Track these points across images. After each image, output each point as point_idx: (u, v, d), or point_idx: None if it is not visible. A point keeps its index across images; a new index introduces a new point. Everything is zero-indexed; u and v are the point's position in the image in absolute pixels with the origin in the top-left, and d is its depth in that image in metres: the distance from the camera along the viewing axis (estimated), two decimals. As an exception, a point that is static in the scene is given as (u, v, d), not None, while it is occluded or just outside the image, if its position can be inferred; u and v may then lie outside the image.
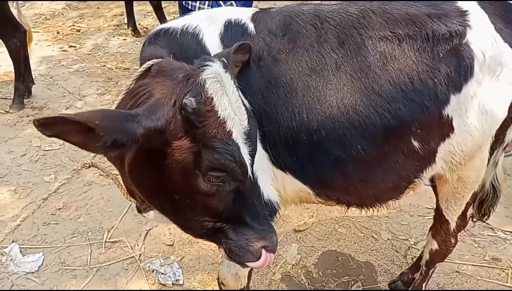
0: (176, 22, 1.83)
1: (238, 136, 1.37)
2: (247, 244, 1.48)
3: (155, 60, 1.55)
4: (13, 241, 2.88)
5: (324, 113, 1.69)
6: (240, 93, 1.48)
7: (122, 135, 1.23)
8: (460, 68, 1.72)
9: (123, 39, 6.37)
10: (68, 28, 6.57)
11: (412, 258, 3.05)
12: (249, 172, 1.43)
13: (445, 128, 1.78)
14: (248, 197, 1.47)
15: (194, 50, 1.73)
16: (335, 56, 1.71)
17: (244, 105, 1.46)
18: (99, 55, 5.86)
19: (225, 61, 1.46)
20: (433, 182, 2.15)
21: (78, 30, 6.51)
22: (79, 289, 2.62)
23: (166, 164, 1.35)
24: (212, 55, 1.67)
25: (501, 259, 3.06)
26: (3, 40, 4.23)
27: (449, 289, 2.74)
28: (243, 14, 1.80)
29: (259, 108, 1.70)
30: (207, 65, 1.39)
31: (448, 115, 1.75)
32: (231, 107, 1.35)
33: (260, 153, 1.72)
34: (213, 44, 1.74)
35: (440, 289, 2.82)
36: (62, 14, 7.09)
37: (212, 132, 1.31)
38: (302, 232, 3.19)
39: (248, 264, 1.52)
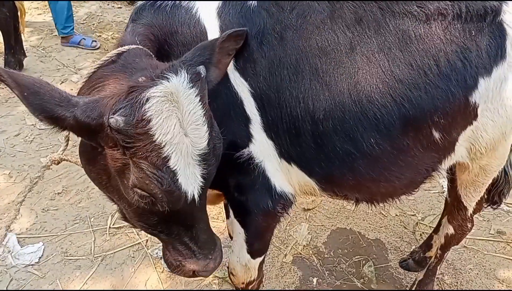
0: None
1: (180, 161, 1.12)
2: (179, 262, 1.33)
3: (126, 47, 1.28)
4: (10, 231, 2.54)
5: (333, 101, 1.39)
6: (205, 108, 1.18)
7: (48, 116, 1.09)
8: (491, 48, 1.42)
9: (118, 7, 5.83)
10: (59, -5, 5.94)
11: (420, 234, 2.87)
12: (195, 195, 1.17)
13: (470, 116, 1.49)
14: (186, 219, 1.25)
15: (186, 26, 1.42)
16: (350, 34, 1.39)
17: (210, 125, 1.19)
18: (93, 25, 5.33)
19: (200, 72, 1.17)
20: (452, 172, 1.87)
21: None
22: (84, 280, 2.32)
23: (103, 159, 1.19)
24: (206, 32, 1.39)
25: (505, 232, 2.91)
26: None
27: (452, 289, 2.55)
28: None
29: (261, 91, 1.41)
30: (166, 77, 1.09)
31: (475, 102, 1.46)
32: (179, 130, 1.11)
33: (265, 142, 1.47)
34: (209, 19, 1.43)
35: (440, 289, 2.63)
36: (51, -19, 6.42)
37: (142, 155, 1.07)
38: (311, 210, 2.93)
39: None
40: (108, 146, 1.13)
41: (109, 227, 2.63)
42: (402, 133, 1.45)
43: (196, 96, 1.14)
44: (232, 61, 1.38)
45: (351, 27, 1.39)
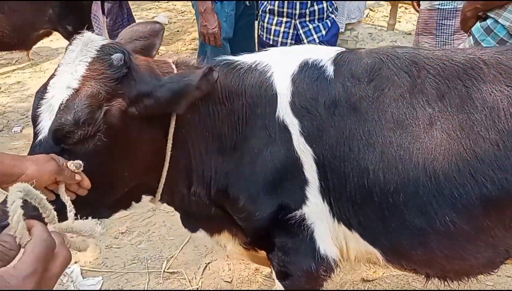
0: (244, 57, 1.60)
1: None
2: None
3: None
4: (75, 262, 2.70)
5: (407, 175, 1.35)
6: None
7: None
8: None
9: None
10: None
11: None
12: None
13: None
14: None
15: (257, 88, 1.49)
16: (430, 110, 1.37)
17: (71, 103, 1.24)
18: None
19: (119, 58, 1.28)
20: None
21: (157, 53, 6.50)
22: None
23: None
24: (279, 96, 1.46)
25: None
26: None
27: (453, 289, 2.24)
28: (325, 55, 1.53)
29: (325, 159, 1.42)
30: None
31: None
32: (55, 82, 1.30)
33: (320, 204, 1.47)
34: (283, 85, 1.48)
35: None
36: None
37: None
38: (370, 282, 2.78)
39: None
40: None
41: (163, 271, 2.69)
42: (482, 214, 1.37)
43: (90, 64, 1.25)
44: (299, 126, 1.43)
45: (432, 103, 1.38)
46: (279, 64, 1.52)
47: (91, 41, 1.30)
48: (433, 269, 1.55)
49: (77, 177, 1.24)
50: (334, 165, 1.42)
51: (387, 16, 6.69)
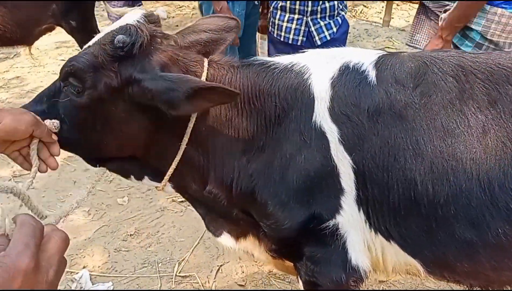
0: (279, 58, 1.52)
1: None
2: None
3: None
4: (84, 267, 2.61)
5: (459, 186, 1.27)
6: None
7: None
8: None
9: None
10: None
11: None
12: None
13: None
14: None
15: (293, 90, 1.41)
16: (482, 117, 1.28)
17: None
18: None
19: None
20: None
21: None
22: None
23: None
24: (316, 101, 1.38)
25: None
26: None
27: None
28: (366, 58, 1.43)
29: (365, 168, 1.34)
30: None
31: None
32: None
33: (355, 214, 1.40)
34: (321, 88, 1.39)
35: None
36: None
37: None
38: (385, 282, 2.73)
39: None
40: None
41: (175, 275, 2.61)
42: None
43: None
44: (338, 133, 1.35)
45: (483, 110, 1.29)
46: (318, 67, 1.44)
47: (130, 16, 1.38)
48: (477, 280, 1.47)
49: (54, 137, 1.32)
50: (376, 175, 1.33)
51: (380, 12, 6.63)
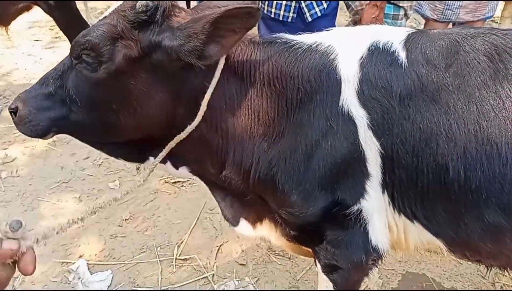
0: (303, 37, 1.43)
1: None
2: None
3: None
4: (80, 256, 2.54)
5: (492, 172, 1.23)
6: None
7: None
8: None
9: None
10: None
11: (501, 286, 2.62)
12: None
13: None
14: None
15: (316, 72, 1.33)
16: None
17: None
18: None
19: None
20: None
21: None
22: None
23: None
24: (343, 83, 1.31)
25: None
26: (68, 38, 3.80)
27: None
28: (395, 37, 1.36)
29: (394, 153, 1.29)
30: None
31: None
32: None
33: (379, 197, 1.36)
34: (349, 69, 1.32)
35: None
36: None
37: None
38: (384, 283, 2.75)
39: None
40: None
41: (175, 258, 2.57)
42: None
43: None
44: (367, 119, 1.29)
45: None
46: (345, 46, 1.36)
47: None
48: (498, 260, 1.47)
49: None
50: (405, 161, 1.28)
51: None
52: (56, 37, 4.98)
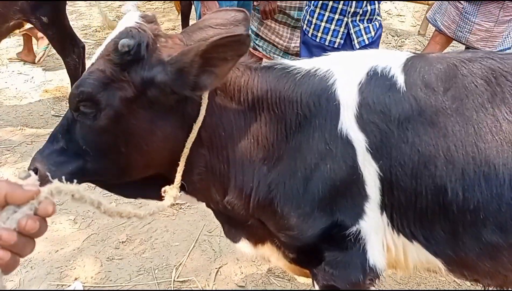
0: (301, 62, 1.45)
1: None
2: None
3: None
4: (75, 279, 2.47)
5: (490, 193, 1.26)
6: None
7: None
8: None
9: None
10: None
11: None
12: None
13: None
14: None
15: (315, 97, 1.35)
16: None
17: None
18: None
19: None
20: None
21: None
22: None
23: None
24: (342, 108, 1.33)
25: None
26: (62, 56, 3.83)
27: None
28: (393, 61, 1.38)
29: (393, 176, 1.31)
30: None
31: None
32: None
33: (378, 218, 1.38)
34: (348, 94, 1.34)
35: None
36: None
37: None
38: (383, 283, 2.75)
39: None
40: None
41: (174, 280, 2.53)
42: None
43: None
44: (365, 142, 1.31)
45: None
46: (343, 71, 1.38)
47: (126, 20, 1.30)
48: (495, 280, 1.48)
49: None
50: (404, 183, 1.30)
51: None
52: (48, 56, 4.95)
